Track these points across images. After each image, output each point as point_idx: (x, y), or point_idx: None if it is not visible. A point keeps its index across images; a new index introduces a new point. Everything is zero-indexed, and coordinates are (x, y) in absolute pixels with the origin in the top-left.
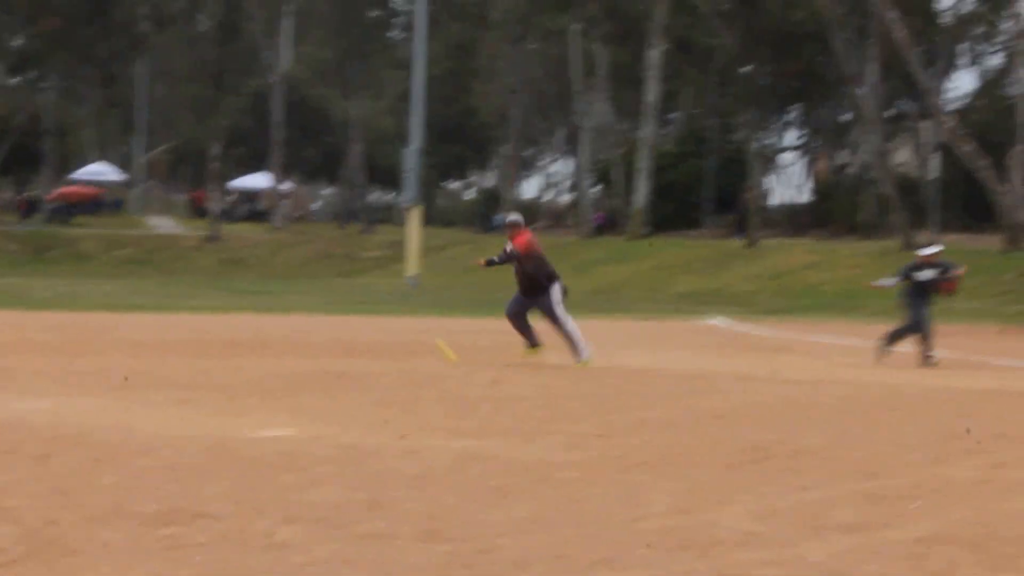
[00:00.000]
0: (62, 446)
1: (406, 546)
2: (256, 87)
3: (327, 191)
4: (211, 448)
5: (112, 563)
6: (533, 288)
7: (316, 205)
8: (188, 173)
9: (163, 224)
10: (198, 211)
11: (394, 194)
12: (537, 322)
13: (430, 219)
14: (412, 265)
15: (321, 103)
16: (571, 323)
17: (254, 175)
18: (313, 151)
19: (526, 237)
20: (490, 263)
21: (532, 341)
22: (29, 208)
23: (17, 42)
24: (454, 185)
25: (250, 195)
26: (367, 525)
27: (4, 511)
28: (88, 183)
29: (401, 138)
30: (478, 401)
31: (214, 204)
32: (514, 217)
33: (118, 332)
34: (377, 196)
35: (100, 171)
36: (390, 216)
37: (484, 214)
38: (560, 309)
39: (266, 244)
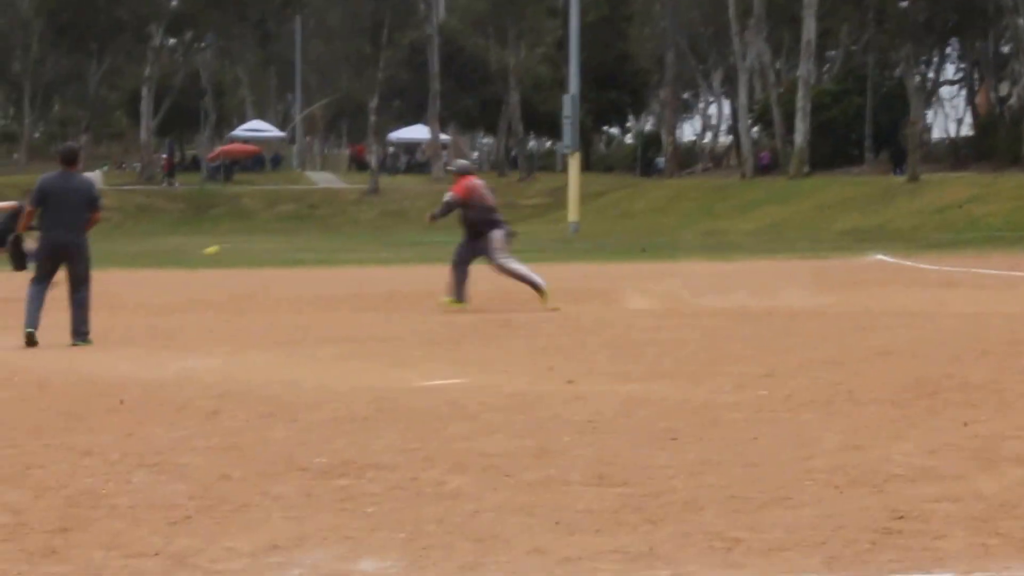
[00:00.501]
0: (231, 402)
1: (577, 492)
2: (412, 40)
3: (485, 140)
4: (379, 400)
5: (285, 516)
6: (476, 234)
7: (475, 155)
8: (346, 128)
9: (323, 179)
10: (359, 165)
11: (552, 141)
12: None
13: (589, 165)
14: (572, 212)
15: (477, 53)
16: (515, 263)
17: (412, 127)
18: (470, 101)
19: (465, 183)
20: (433, 218)
21: (459, 295)
22: (172, 168)
23: (174, 3)
24: (612, 131)
25: (409, 147)
26: (537, 472)
27: (176, 468)
28: (247, 141)
29: (558, 85)
30: (643, 345)
31: (373, 157)
32: (457, 164)
33: (282, 288)
34: (535, 144)
35: (259, 128)
36: (549, 163)
37: (644, 158)
38: (500, 254)
39: (426, 195)
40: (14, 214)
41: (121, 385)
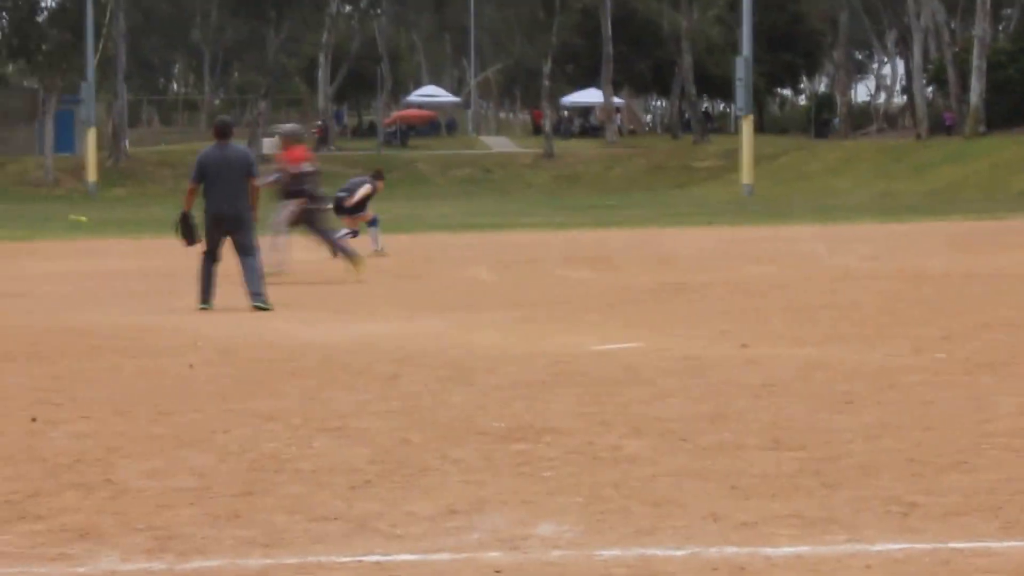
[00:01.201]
0: (409, 366)
1: (754, 456)
2: (585, 4)
3: (659, 103)
4: (555, 364)
5: (465, 480)
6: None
7: (648, 118)
8: (520, 92)
9: (498, 143)
10: (537, 129)
11: (725, 104)
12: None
13: (763, 127)
14: (746, 174)
15: (650, 16)
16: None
17: (586, 91)
18: (643, 64)
19: (298, 152)
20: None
21: (348, 253)
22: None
23: None
24: (785, 92)
25: (583, 111)
26: (713, 436)
27: (357, 432)
28: (423, 106)
29: (731, 47)
30: (817, 309)
31: (547, 121)
32: (286, 128)
33: (457, 252)
34: (709, 106)
35: (434, 94)
36: (722, 126)
37: (818, 120)
38: (277, 220)
39: (600, 159)
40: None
41: (300, 350)
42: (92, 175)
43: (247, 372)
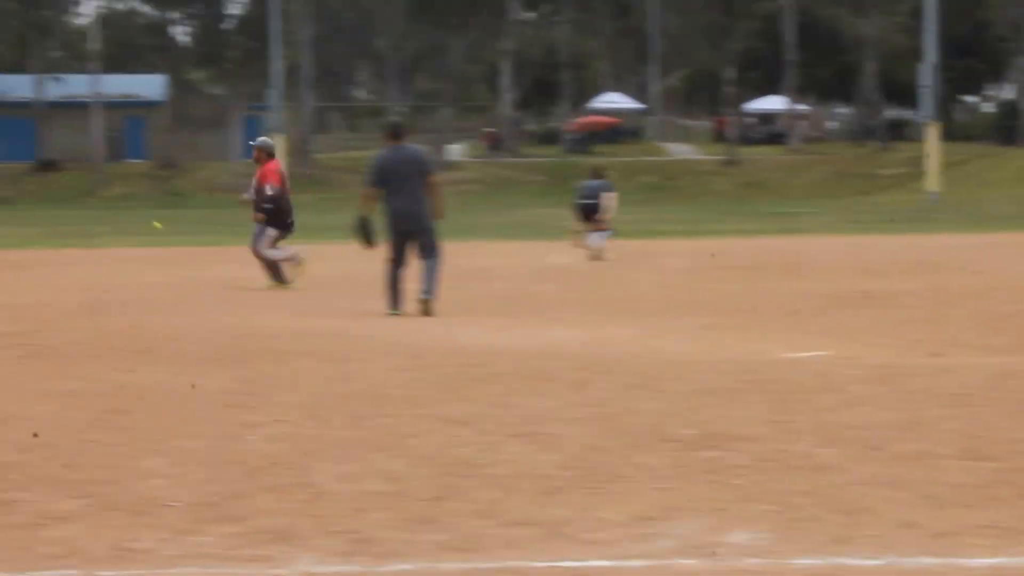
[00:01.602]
0: (597, 372)
1: (947, 465)
2: (767, 10)
3: (842, 110)
4: (744, 371)
5: (656, 487)
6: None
7: (832, 125)
8: (703, 99)
9: (682, 150)
10: (720, 136)
11: (910, 111)
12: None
13: (948, 134)
14: (932, 181)
15: (833, 22)
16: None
17: (769, 98)
18: (826, 71)
19: (274, 167)
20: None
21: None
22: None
23: None
24: (971, 99)
25: (766, 118)
26: (906, 445)
27: (547, 437)
28: (605, 113)
29: (915, 54)
30: (1009, 317)
31: (731, 128)
32: (257, 141)
33: (641, 259)
34: (893, 113)
35: (616, 100)
36: (907, 133)
37: (1005, 127)
38: (260, 246)
39: (784, 166)
40: None
41: (490, 356)
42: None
43: (437, 377)
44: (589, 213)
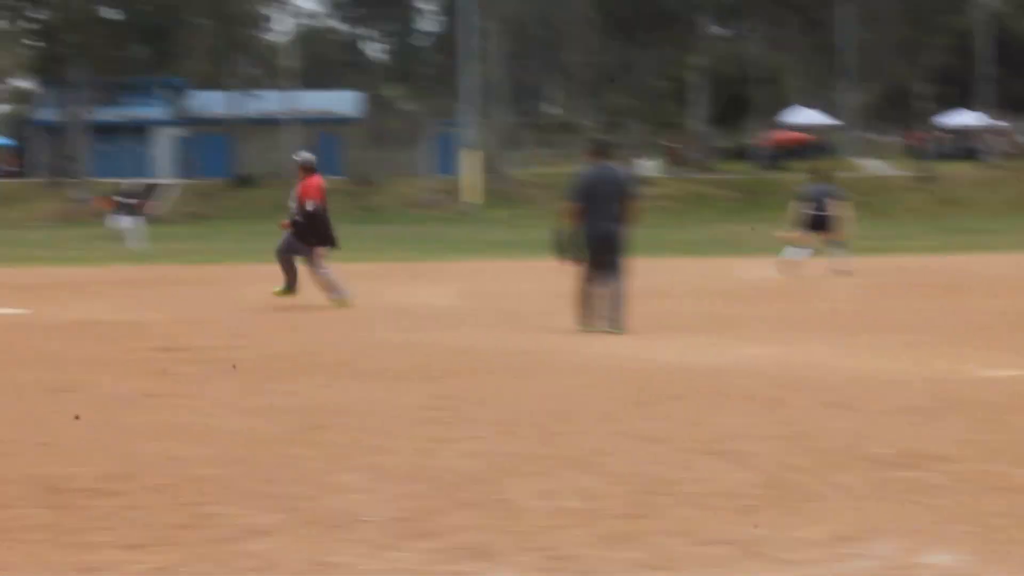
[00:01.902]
0: (792, 391)
1: None
2: (961, 25)
3: None
4: (940, 389)
5: (852, 507)
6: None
7: None
8: (894, 114)
9: (874, 166)
10: (913, 151)
11: None
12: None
13: None
14: None
15: None
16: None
17: (963, 113)
18: (1022, 85)
19: (316, 183)
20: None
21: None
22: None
23: None
24: None
25: (960, 133)
26: None
27: (742, 455)
28: (796, 128)
29: None
30: None
31: (924, 144)
32: (301, 157)
33: (821, 275)
34: None
35: (808, 116)
36: None
37: None
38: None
39: (981, 182)
40: None
41: (684, 372)
42: (472, 196)
43: (630, 394)
44: (820, 224)
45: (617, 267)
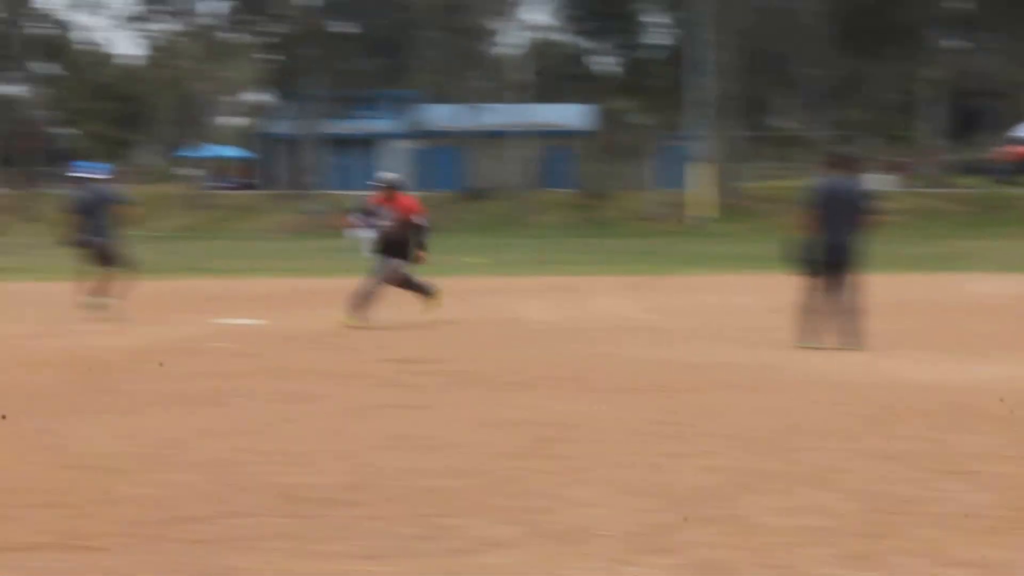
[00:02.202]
0: None
1: None
2: None
3: None
4: None
5: None
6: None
7: None
8: None
9: None
10: None
11: None
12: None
13: None
14: None
15: None
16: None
17: None
18: None
19: (409, 202)
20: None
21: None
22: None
23: (955, 4)
24: None
25: None
26: None
27: (984, 476)
28: None
29: None
30: None
31: None
32: (389, 177)
33: None
34: None
35: None
36: None
37: None
38: (380, 276)
39: None
40: None
41: (919, 390)
42: (702, 210)
43: (865, 411)
44: None
45: (850, 281)
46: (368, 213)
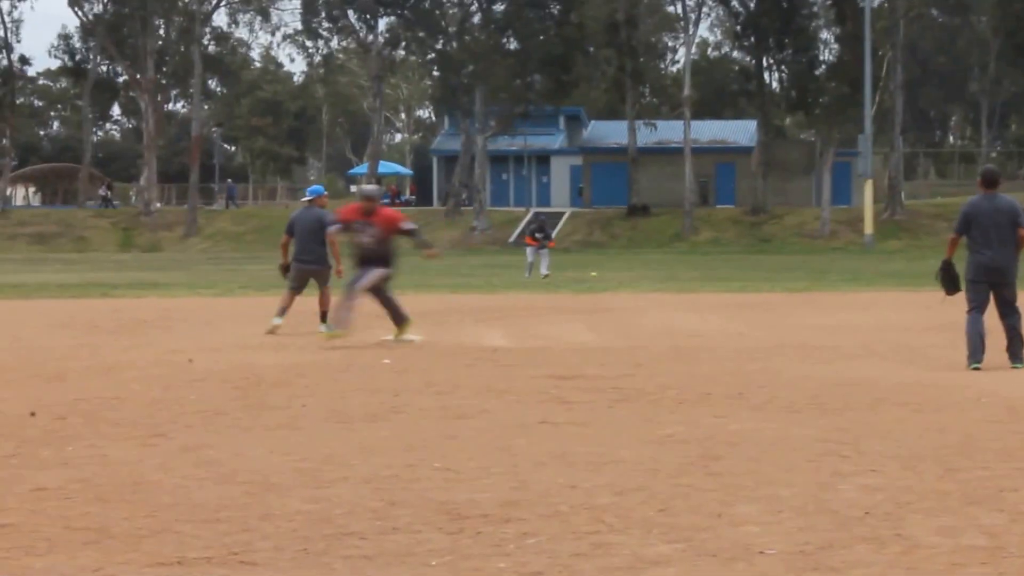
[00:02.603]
0: None
1: None
2: None
3: None
4: None
5: None
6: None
7: None
8: None
9: None
10: None
11: None
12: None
13: None
14: None
15: None
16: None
17: None
18: None
19: (392, 213)
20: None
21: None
22: None
23: None
24: None
25: None
26: None
27: None
28: None
29: None
30: None
31: None
32: (369, 189)
33: None
34: None
35: None
36: None
37: None
38: (359, 283)
39: None
40: None
41: None
42: (868, 227)
43: None
44: None
45: (1009, 301)
46: (541, 230)
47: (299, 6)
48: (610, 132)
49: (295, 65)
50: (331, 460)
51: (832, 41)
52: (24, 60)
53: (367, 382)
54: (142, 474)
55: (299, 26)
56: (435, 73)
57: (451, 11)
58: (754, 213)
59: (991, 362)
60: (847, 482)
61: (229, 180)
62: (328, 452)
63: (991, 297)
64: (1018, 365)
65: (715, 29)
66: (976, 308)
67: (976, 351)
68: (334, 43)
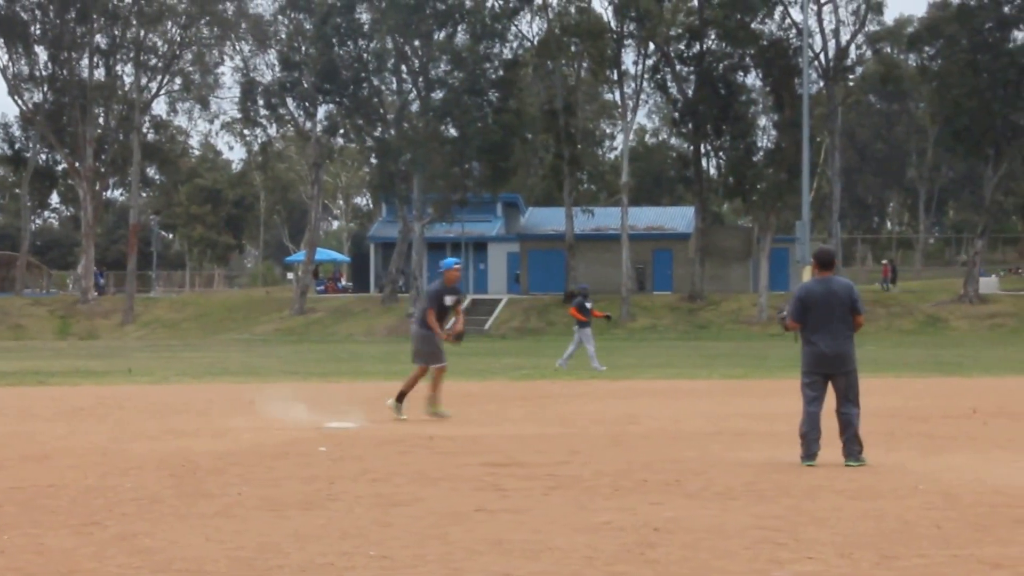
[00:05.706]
0: None
1: None
2: None
3: None
4: None
5: None
6: None
7: None
8: None
9: None
10: None
11: None
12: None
13: None
14: None
15: None
16: None
17: None
18: None
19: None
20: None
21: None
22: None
23: None
24: None
25: None
26: None
27: None
28: None
29: None
30: None
31: None
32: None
33: None
34: None
35: None
36: None
37: None
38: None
39: None
40: None
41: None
42: None
43: (970, 517)
44: None
45: (849, 390)
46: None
47: (238, 94)
48: (547, 219)
49: (234, 153)
50: (266, 548)
51: (770, 128)
52: None
53: (302, 469)
54: (77, 562)
55: (238, 114)
56: (373, 160)
57: (390, 99)
58: (691, 299)
59: (924, 447)
60: (784, 570)
61: (95, 269)
62: (263, 540)
63: (827, 388)
64: (852, 463)
65: (653, 116)
66: (814, 400)
67: (811, 448)
68: (272, 130)
